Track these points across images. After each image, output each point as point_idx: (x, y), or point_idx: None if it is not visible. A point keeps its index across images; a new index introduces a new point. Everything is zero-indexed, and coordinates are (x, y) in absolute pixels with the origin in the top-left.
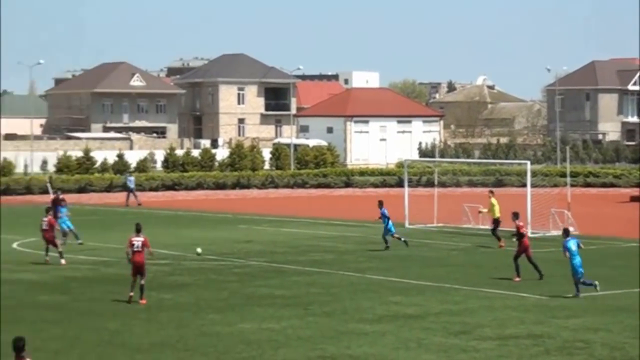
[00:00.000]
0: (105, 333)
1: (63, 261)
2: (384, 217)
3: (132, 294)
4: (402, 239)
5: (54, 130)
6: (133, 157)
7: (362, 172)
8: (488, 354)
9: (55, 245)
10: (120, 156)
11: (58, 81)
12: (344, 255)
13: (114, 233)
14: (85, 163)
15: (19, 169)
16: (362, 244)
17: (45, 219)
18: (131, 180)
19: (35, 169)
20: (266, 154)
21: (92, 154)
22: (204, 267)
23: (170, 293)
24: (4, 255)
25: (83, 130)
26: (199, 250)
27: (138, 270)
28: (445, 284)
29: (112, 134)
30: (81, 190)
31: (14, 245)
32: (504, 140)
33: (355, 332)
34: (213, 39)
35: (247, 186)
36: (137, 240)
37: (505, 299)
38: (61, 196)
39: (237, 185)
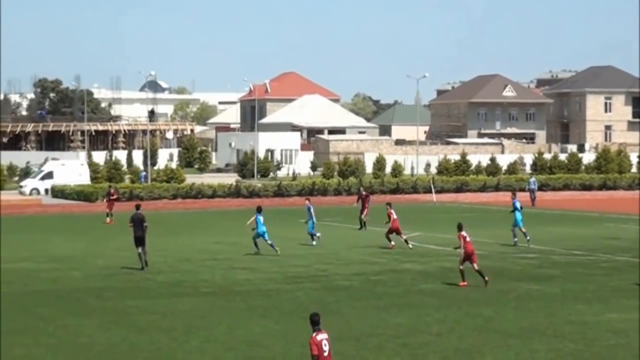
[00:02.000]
0: (480, 319)
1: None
2: None
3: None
4: None
5: (435, 136)
6: (504, 161)
7: None
8: None
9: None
10: (492, 159)
11: (440, 92)
12: None
13: (484, 230)
14: (462, 165)
15: (407, 171)
16: None
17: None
18: (532, 182)
19: (420, 170)
20: (633, 158)
21: (468, 157)
22: (571, 261)
23: (538, 284)
24: (408, 249)
25: (460, 136)
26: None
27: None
28: None
29: (485, 140)
30: (458, 190)
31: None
32: None
33: None
34: (580, 51)
35: (614, 187)
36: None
37: None
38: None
39: (603, 186)
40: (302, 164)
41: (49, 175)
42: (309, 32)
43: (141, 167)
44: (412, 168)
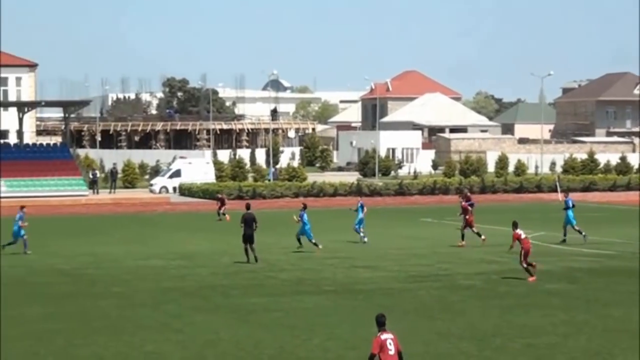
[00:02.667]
0: (610, 320)
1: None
2: None
3: None
4: None
5: (560, 134)
6: (635, 160)
7: None
8: None
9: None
10: (622, 158)
11: (565, 90)
12: None
13: (614, 229)
14: (590, 164)
15: (531, 170)
16: None
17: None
18: None
19: (545, 169)
20: None
21: (596, 156)
22: None
23: None
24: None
25: (587, 135)
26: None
27: None
28: None
29: (615, 138)
30: (585, 189)
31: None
32: None
33: None
34: None
35: None
36: None
37: None
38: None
39: None
40: (423, 163)
41: (177, 173)
42: (431, 30)
43: (264, 166)
44: (536, 167)
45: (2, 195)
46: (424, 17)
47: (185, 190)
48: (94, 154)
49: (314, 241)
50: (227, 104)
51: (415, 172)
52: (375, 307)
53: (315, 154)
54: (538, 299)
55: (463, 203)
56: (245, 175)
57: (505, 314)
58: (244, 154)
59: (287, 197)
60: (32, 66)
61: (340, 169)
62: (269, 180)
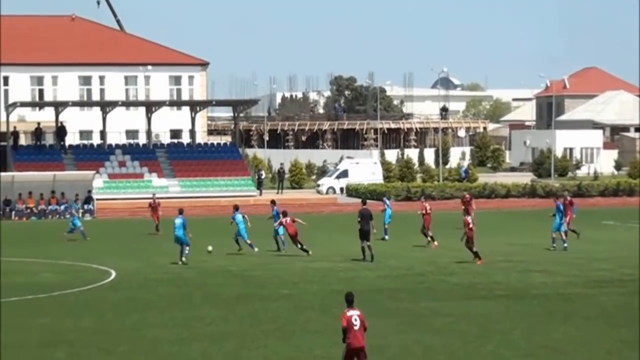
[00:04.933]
0: None
1: None
2: None
3: None
4: None
5: None
6: None
7: None
8: None
9: None
10: None
11: None
12: None
13: None
14: None
15: None
16: None
17: None
18: None
19: None
20: None
21: None
22: None
23: None
24: None
25: None
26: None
27: None
28: None
29: None
30: None
31: None
32: None
33: None
34: None
35: None
36: None
37: None
38: None
39: None
40: (604, 163)
41: (344, 173)
42: (612, 26)
43: (432, 166)
44: None
45: (177, 195)
46: (604, 12)
47: (352, 191)
48: (262, 153)
49: (249, 242)
50: (395, 102)
51: (595, 172)
52: (552, 313)
53: (486, 153)
54: None
55: None
56: (413, 175)
57: None
58: (412, 153)
59: (457, 198)
60: (203, 65)
61: (512, 169)
62: (462, 178)
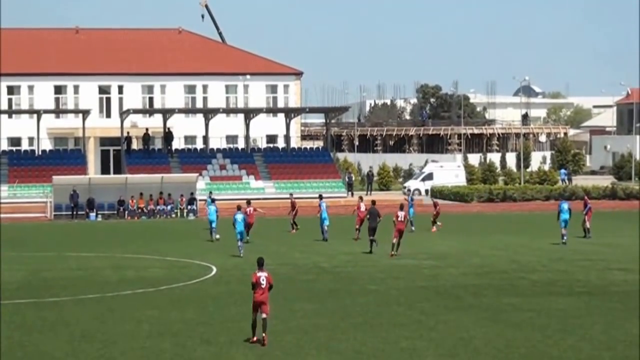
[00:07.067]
0: None
1: None
2: None
3: None
4: None
5: None
6: None
7: None
8: None
9: None
10: None
11: None
12: None
13: None
14: None
15: None
16: None
17: None
18: None
19: None
20: None
21: None
22: None
23: None
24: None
25: None
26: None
27: None
28: None
29: None
30: None
31: None
32: None
33: None
34: None
35: None
36: None
37: None
38: None
39: None
40: None
41: (429, 176)
42: None
43: (514, 169)
44: None
45: (272, 196)
46: None
47: (436, 193)
48: (352, 157)
49: (213, 229)
50: (478, 109)
51: None
52: (631, 309)
53: (567, 157)
54: None
55: None
56: (495, 178)
57: None
58: (494, 157)
59: (538, 200)
60: (298, 74)
61: (593, 172)
62: (563, 181)
